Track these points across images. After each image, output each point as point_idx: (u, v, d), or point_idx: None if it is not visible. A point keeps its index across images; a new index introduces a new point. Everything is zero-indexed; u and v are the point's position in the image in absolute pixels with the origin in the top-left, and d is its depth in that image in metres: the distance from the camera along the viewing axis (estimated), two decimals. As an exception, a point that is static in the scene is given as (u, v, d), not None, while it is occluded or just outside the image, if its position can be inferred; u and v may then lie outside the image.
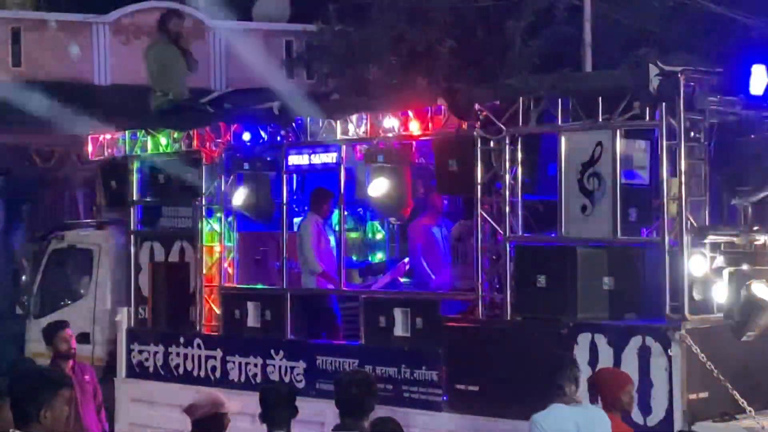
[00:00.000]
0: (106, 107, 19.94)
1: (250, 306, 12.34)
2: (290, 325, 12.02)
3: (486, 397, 10.29)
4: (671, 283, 9.36)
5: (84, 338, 13.72)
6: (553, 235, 10.22)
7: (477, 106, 10.55)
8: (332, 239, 12.25)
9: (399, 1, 19.82)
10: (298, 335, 12.04)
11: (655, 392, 9.33)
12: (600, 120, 9.83)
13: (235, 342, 12.47)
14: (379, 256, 13.36)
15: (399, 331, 11.05)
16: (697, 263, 9.37)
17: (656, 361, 9.35)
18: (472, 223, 10.70)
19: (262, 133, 12.36)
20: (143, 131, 13.54)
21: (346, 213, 12.06)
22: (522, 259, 10.28)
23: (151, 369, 13.33)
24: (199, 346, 12.84)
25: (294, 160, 12.25)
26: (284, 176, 12.23)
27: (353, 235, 13.25)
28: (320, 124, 11.77)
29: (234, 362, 12.46)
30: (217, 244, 12.84)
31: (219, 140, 12.77)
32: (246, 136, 12.46)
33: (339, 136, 11.65)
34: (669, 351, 9.29)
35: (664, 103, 9.37)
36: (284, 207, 12.21)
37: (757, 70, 9.41)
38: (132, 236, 13.64)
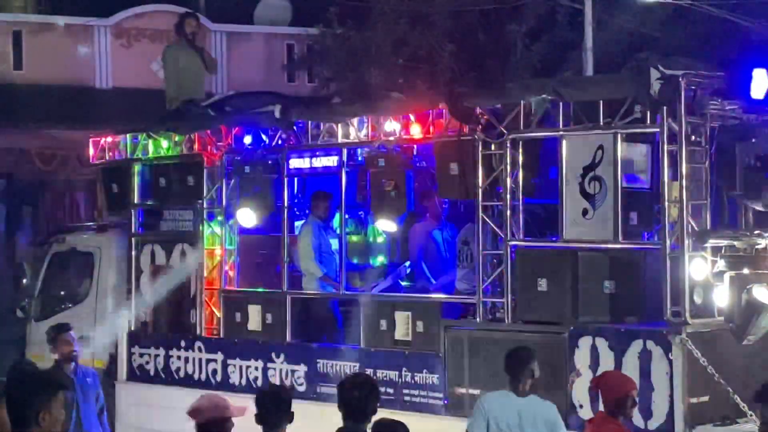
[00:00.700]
0: (108, 110, 20.00)
1: (251, 309, 12.35)
2: (291, 329, 12.02)
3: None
4: (672, 286, 9.36)
5: (85, 341, 13.71)
6: (554, 238, 10.23)
7: (478, 110, 10.57)
8: (333, 243, 12.25)
9: (400, 4, 19.83)
10: (299, 338, 12.05)
11: (656, 396, 9.33)
12: (601, 124, 9.84)
13: (236, 345, 12.48)
14: (380, 260, 13.36)
15: (400, 334, 11.06)
16: (697, 267, 9.38)
17: (657, 365, 9.35)
18: (478, 227, 10.71)
19: (264, 137, 12.37)
20: (144, 134, 13.55)
21: (347, 216, 12.06)
22: (523, 263, 10.28)
23: (152, 372, 13.34)
24: (200, 349, 12.85)
25: (295, 163, 12.26)
26: (285, 179, 12.24)
27: (354, 238, 13.25)
28: (321, 128, 11.78)
29: (235, 365, 12.46)
30: (218, 247, 12.85)
31: (220, 143, 12.78)
32: (247, 140, 12.47)
33: (340, 139, 11.66)
34: (670, 355, 9.30)
35: (665, 107, 9.37)
36: (285, 210, 12.22)
37: (757, 74, 9.42)
38: (133, 239, 13.65)
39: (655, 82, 9.35)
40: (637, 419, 9.13)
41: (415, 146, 11.38)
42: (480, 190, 10.50)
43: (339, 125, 11.63)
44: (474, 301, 10.62)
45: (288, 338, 12.03)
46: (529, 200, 10.51)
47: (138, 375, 13.48)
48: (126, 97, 20.23)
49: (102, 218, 15.86)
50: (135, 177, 13.58)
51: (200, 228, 12.87)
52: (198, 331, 12.88)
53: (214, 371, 12.67)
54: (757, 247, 9.66)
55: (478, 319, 10.57)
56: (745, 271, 9.39)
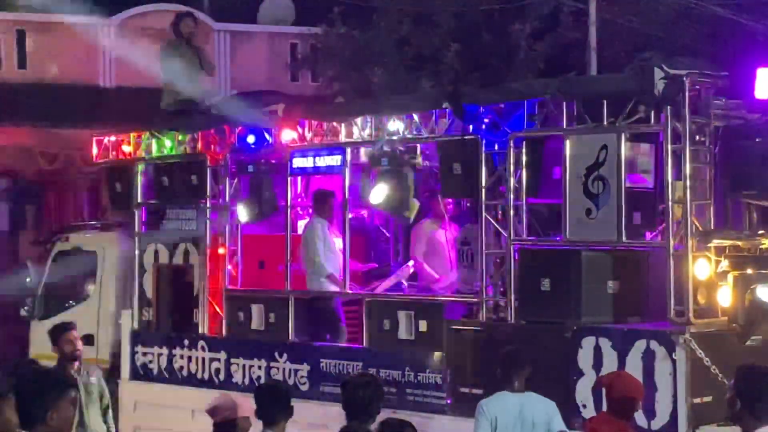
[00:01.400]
0: (112, 109, 19.99)
1: (254, 308, 12.35)
2: (294, 328, 12.02)
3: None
4: (676, 286, 9.35)
5: (88, 340, 13.72)
6: (557, 238, 10.21)
7: (481, 110, 10.56)
8: (337, 242, 12.24)
9: (404, 4, 19.84)
10: (302, 338, 12.05)
11: (660, 396, 9.32)
12: (605, 123, 9.83)
13: (239, 344, 12.47)
14: (383, 259, 13.35)
15: (403, 334, 11.05)
16: (701, 267, 9.36)
17: (660, 365, 9.34)
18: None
19: (267, 136, 12.37)
20: (148, 134, 13.55)
21: (350, 215, 12.05)
22: (526, 263, 10.27)
23: (155, 371, 13.34)
24: (203, 348, 12.85)
25: (299, 162, 12.25)
26: (289, 179, 12.24)
27: (358, 237, 13.23)
28: (325, 127, 11.77)
29: (238, 365, 12.46)
30: (221, 247, 12.84)
31: (224, 143, 12.77)
32: (251, 139, 12.46)
33: (343, 138, 11.66)
34: (673, 355, 9.28)
35: (669, 107, 9.36)
36: (288, 210, 12.22)
37: (762, 73, 9.41)
38: (137, 238, 13.65)
39: (659, 82, 9.35)
40: (641, 419, 9.12)
41: (418, 145, 11.36)
42: (483, 190, 10.49)
43: (342, 124, 11.62)
44: (477, 301, 10.61)
45: (291, 337, 12.03)
46: (533, 200, 10.50)
47: (141, 374, 13.48)
48: (130, 95, 20.21)
49: (105, 217, 15.86)
50: (139, 176, 13.57)
51: (204, 227, 12.86)
52: (201, 330, 12.87)
53: (217, 370, 12.67)
54: (761, 247, 9.65)
55: (481, 319, 10.56)
56: (749, 271, 9.37)
